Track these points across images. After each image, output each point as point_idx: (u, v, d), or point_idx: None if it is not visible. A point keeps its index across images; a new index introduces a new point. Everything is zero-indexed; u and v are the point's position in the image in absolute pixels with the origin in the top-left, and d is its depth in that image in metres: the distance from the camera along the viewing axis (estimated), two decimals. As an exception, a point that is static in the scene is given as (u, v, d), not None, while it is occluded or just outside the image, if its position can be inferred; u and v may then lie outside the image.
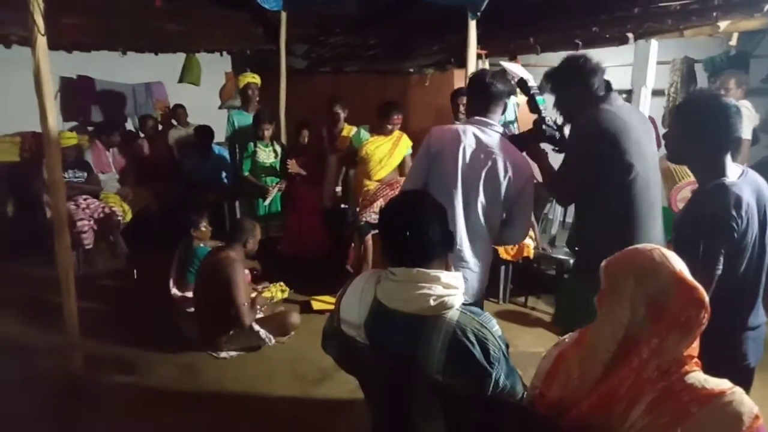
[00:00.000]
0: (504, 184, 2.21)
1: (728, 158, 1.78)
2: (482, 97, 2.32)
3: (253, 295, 3.74)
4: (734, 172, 1.79)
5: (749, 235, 1.73)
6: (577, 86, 2.26)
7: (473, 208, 2.23)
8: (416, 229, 1.45)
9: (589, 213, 2.35)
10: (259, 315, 3.64)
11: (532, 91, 2.50)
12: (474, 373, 1.36)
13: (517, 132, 4.71)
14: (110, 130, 6.01)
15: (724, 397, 1.12)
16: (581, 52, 2.35)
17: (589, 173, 2.19)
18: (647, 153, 2.21)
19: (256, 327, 3.51)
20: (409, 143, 4.45)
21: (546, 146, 2.54)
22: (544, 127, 2.44)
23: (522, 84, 2.56)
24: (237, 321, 3.48)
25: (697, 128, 1.78)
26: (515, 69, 2.68)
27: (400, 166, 4.44)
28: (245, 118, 5.16)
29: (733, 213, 1.68)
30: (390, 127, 4.29)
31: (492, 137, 2.27)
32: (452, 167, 2.22)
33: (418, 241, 1.44)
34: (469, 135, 2.25)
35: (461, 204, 2.22)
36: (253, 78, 5.31)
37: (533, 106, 2.50)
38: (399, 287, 1.44)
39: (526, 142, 2.48)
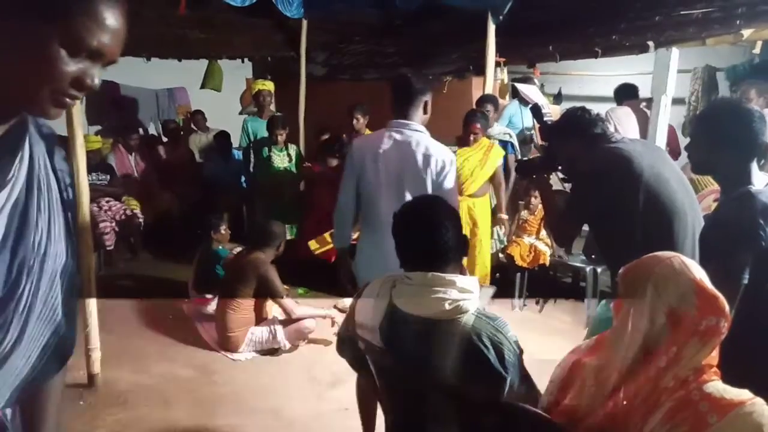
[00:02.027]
0: (427, 175, 2.33)
1: (754, 166, 1.73)
2: (403, 100, 2.41)
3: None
4: (761, 179, 1.74)
5: None
6: (578, 139, 2.21)
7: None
8: (432, 234, 1.46)
9: (623, 242, 2.13)
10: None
11: (545, 118, 2.48)
12: (488, 377, 1.35)
13: (535, 138, 4.70)
14: (127, 134, 6.12)
15: (745, 407, 1.09)
16: (580, 105, 2.30)
17: (608, 207, 2.08)
18: (665, 173, 2.11)
19: (279, 327, 3.55)
20: (501, 153, 4.08)
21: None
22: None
23: (536, 110, 2.54)
24: (257, 321, 3.54)
25: (721, 135, 1.73)
26: (531, 93, 2.65)
27: (493, 178, 4.07)
28: (259, 125, 5.23)
29: (761, 221, 1.62)
30: (471, 137, 3.98)
31: (410, 136, 2.37)
32: (374, 172, 2.36)
33: (434, 246, 1.45)
34: (385, 139, 2.37)
35: (389, 205, 2.16)
36: (263, 85, 5.40)
37: (545, 133, 2.47)
38: (414, 291, 1.45)
39: (535, 169, 2.44)
